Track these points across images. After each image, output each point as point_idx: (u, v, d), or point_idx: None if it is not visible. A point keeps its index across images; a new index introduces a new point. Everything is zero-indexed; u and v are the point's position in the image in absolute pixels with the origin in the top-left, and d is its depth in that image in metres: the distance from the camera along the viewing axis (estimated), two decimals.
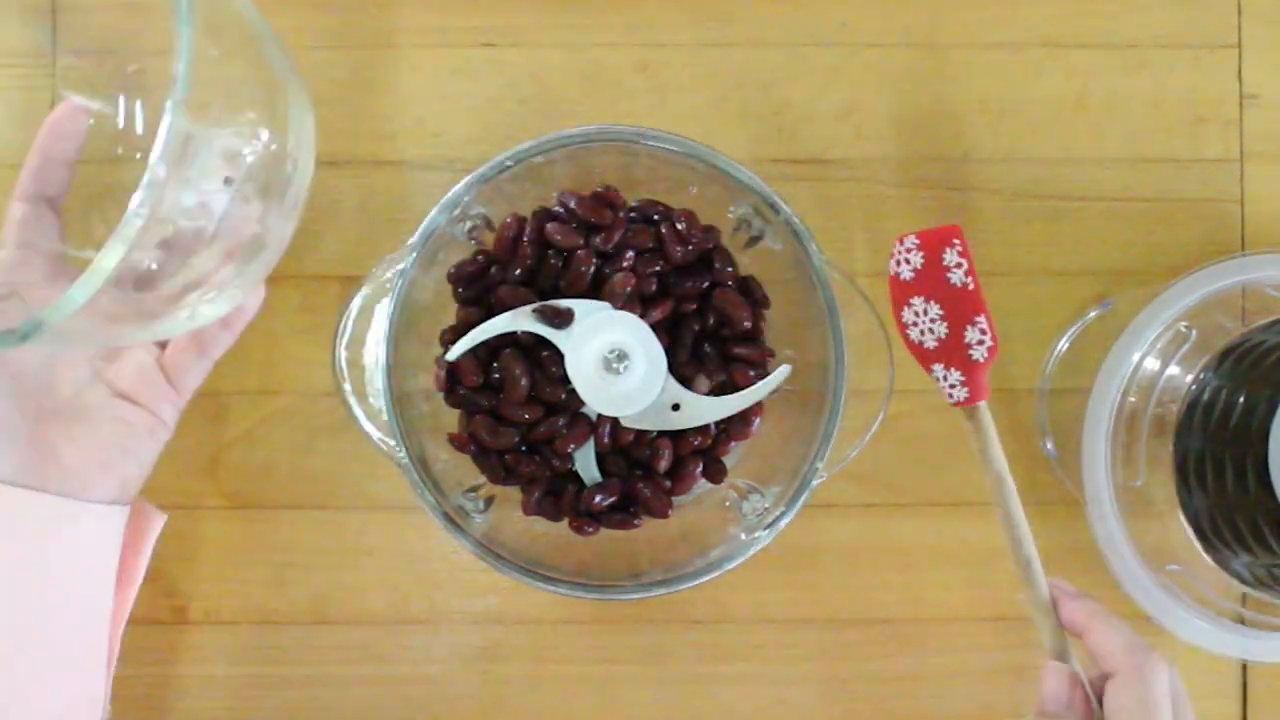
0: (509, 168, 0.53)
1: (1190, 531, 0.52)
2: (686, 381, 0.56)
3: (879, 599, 0.62)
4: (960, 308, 0.52)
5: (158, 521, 0.57)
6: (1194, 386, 0.52)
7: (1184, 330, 0.55)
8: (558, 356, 0.55)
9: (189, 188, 0.45)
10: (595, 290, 0.56)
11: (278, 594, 0.62)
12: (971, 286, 0.52)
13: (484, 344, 0.55)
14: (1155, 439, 0.54)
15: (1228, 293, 0.56)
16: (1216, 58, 0.63)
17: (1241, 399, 0.51)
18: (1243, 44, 0.63)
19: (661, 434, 0.57)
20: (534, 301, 0.55)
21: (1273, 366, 0.51)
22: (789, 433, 0.57)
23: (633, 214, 0.57)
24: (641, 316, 0.55)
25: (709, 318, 0.57)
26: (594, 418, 0.57)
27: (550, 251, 0.56)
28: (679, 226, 0.56)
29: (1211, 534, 0.52)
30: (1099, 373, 0.55)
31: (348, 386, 0.54)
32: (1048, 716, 0.49)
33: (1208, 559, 0.52)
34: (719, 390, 0.57)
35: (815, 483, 0.54)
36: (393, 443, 0.54)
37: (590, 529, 0.57)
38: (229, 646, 0.62)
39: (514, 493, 0.58)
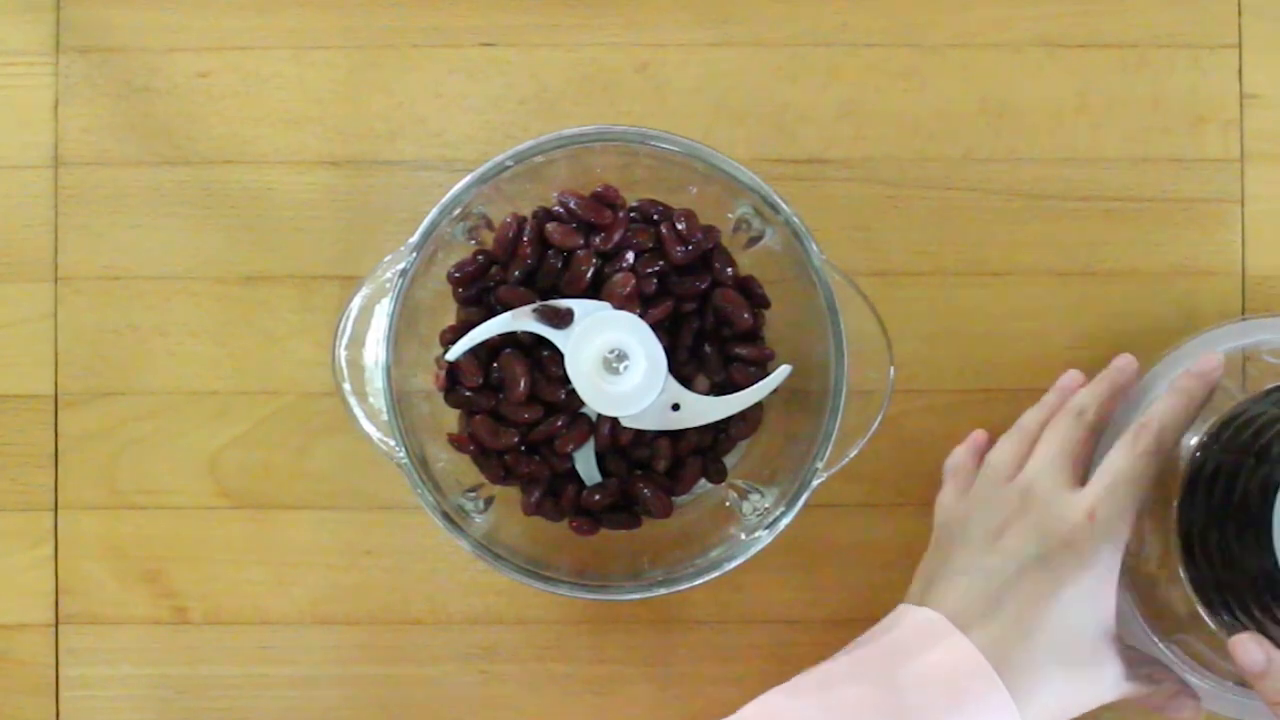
0: (509, 168, 0.53)
1: (1198, 602, 0.51)
2: (686, 381, 0.56)
3: (879, 599, 0.62)
4: None
5: None
6: (1198, 454, 0.51)
7: None
8: (558, 356, 0.55)
9: None
10: (595, 290, 0.56)
11: (278, 594, 0.62)
12: None
13: (484, 344, 0.55)
14: (1159, 508, 0.53)
15: (1229, 356, 0.56)
16: (1216, 58, 0.63)
17: (1243, 470, 0.50)
18: (1243, 44, 0.63)
19: (661, 434, 0.57)
20: (534, 301, 0.55)
21: (1274, 438, 0.50)
22: (789, 433, 0.57)
23: (633, 214, 0.57)
24: (641, 316, 0.55)
25: (709, 318, 0.57)
26: (594, 418, 0.57)
27: (550, 251, 0.56)
28: (679, 226, 0.56)
29: (1219, 605, 0.51)
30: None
31: (347, 386, 0.54)
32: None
33: (1216, 630, 0.51)
34: (719, 390, 0.57)
35: (815, 483, 0.54)
36: (393, 443, 0.53)
37: (590, 529, 0.57)
38: (229, 646, 0.62)
39: (514, 493, 0.58)
